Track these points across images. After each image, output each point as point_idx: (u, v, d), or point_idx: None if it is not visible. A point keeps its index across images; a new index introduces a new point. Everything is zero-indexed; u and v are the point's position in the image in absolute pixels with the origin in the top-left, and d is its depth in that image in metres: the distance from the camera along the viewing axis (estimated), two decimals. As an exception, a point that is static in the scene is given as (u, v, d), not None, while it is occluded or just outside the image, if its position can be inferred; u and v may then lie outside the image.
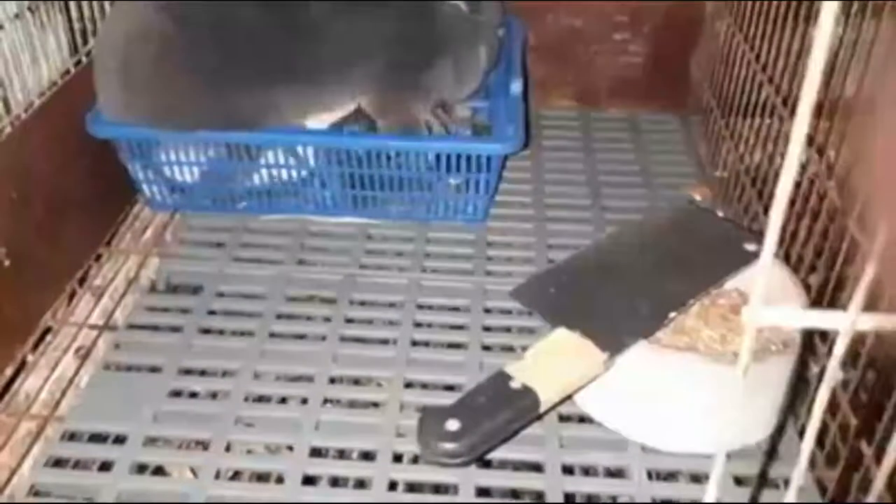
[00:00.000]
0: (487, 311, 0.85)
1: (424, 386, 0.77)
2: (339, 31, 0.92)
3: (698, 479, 0.68)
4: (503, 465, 0.70)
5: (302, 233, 0.96)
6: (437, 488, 0.68)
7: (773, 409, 0.70)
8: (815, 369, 0.72)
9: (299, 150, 0.94)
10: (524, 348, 0.69)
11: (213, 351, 0.80)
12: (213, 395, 0.76)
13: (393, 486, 0.68)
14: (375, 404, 0.75)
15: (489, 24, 1.04)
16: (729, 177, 1.00)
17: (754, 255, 0.77)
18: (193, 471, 0.70)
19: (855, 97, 0.69)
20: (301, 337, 0.82)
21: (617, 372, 0.67)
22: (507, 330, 0.83)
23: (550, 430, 0.71)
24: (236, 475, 0.70)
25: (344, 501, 0.67)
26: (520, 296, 0.78)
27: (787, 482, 0.67)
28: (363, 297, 0.87)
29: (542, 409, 0.63)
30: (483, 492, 0.67)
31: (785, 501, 0.33)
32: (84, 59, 0.95)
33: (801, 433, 0.71)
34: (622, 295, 0.74)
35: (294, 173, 0.96)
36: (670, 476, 0.70)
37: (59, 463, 0.69)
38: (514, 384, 0.63)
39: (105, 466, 0.69)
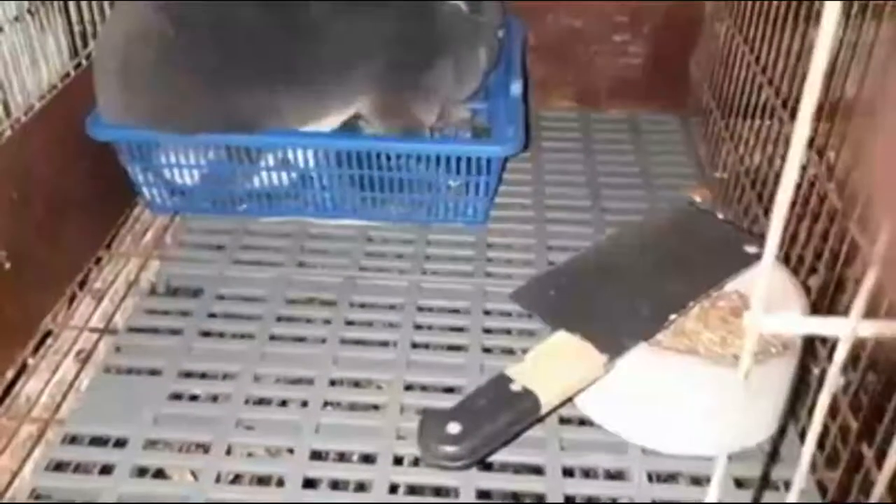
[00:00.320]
0: (487, 313, 0.85)
1: (425, 388, 0.77)
2: (339, 31, 0.92)
3: (699, 481, 0.68)
4: (504, 467, 0.70)
5: (302, 235, 0.96)
6: (438, 491, 0.68)
7: (773, 412, 0.70)
8: (815, 371, 0.72)
9: (299, 152, 0.94)
10: (524, 350, 0.69)
11: (213, 354, 0.80)
12: (214, 398, 0.76)
13: (394, 489, 0.68)
14: (376, 407, 0.75)
15: (489, 24, 1.04)
16: (729, 178, 1.00)
17: (754, 257, 0.77)
18: (194, 474, 0.69)
19: (855, 99, 0.69)
20: (301, 339, 0.82)
21: (617, 374, 0.67)
22: (508, 332, 0.83)
23: (551, 433, 0.71)
24: (237, 478, 0.70)
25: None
26: (520, 298, 0.78)
27: (787, 484, 0.67)
28: (363, 300, 0.87)
29: (543, 411, 0.63)
30: (484, 494, 0.67)
31: (786, 503, 0.33)
32: (84, 61, 0.95)
33: (802, 435, 0.71)
34: (622, 297, 0.74)
35: (294, 175, 0.96)
36: (670, 478, 0.70)
37: (59, 466, 0.69)
38: (515, 387, 0.63)
39: (106, 470, 0.69)
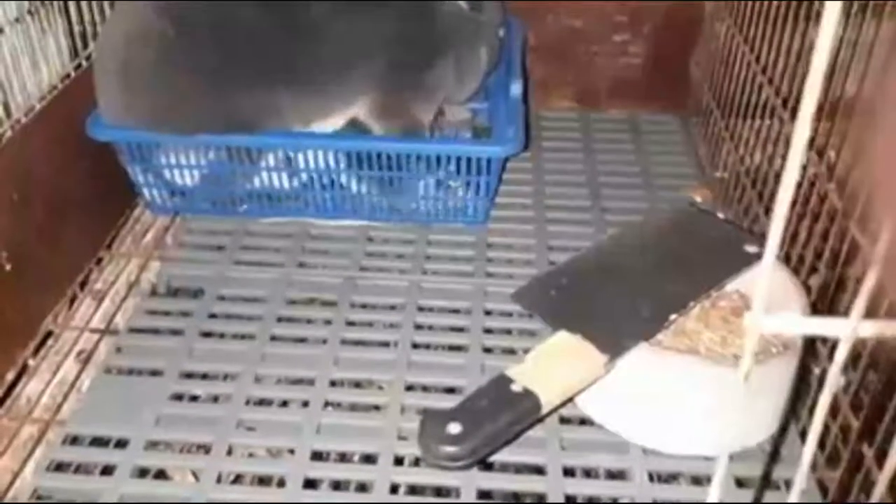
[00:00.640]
0: (488, 313, 0.86)
1: (425, 389, 0.77)
2: (340, 31, 0.92)
3: (699, 481, 0.68)
4: (504, 467, 0.70)
5: (302, 235, 0.96)
6: (439, 491, 0.68)
7: (774, 411, 0.70)
8: (816, 371, 0.72)
9: (299, 152, 0.94)
10: (525, 351, 0.69)
11: (214, 354, 0.80)
12: (215, 399, 0.76)
13: (394, 489, 0.68)
14: (377, 407, 0.75)
15: (490, 24, 1.04)
16: (729, 178, 1.00)
17: (755, 257, 0.77)
18: (195, 474, 0.69)
19: (855, 98, 0.69)
20: (302, 340, 0.82)
21: (618, 374, 0.67)
22: (508, 332, 0.83)
23: (552, 433, 0.71)
24: (238, 478, 0.70)
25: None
26: (520, 299, 0.78)
27: (788, 483, 0.67)
28: (364, 300, 0.87)
29: (544, 411, 0.63)
30: (484, 494, 0.67)
31: (787, 503, 0.33)
32: (84, 62, 0.95)
33: (803, 435, 0.71)
34: (623, 297, 0.74)
35: (303, 177, 0.96)
36: (671, 478, 0.70)
37: (60, 467, 0.69)
38: (515, 387, 0.63)
39: (107, 470, 0.69)
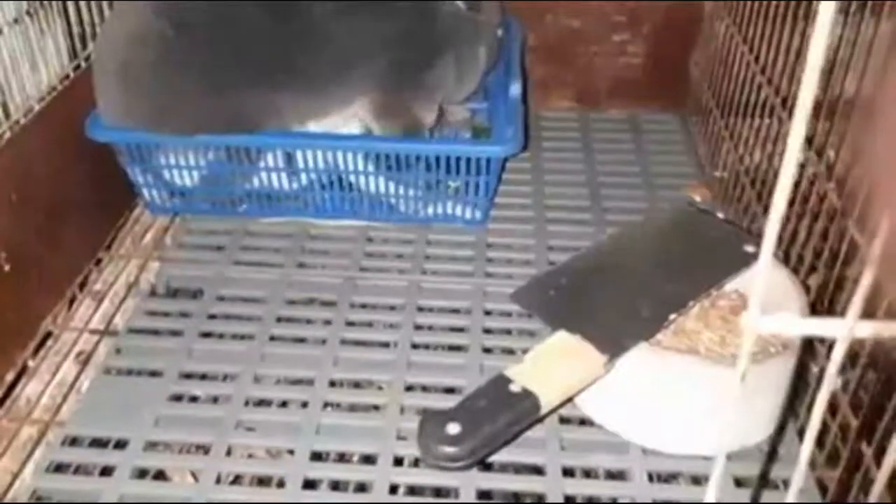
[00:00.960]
0: (488, 313, 0.86)
1: (425, 389, 0.77)
2: (339, 31, 0.92)
3: (699, 480, 0.68)
4: (504, 467, 0.70)
5: (302, 236, 0.96)
6: (438, 491, 0.68)
7: (773, 411, 0.70)
8: (815, 370, 0.72)
9: (298, 152, 0.94)
10: (525, 351, 0.69)
11: (213, 355, 0.80)
12: (214, 399, 0.76)
13: (394, 489, 0.68)
14: (376, 407, 0.75)
15: (488, 23, 1.04)
16: (729, 177, 1.00)
17: (754, 257, 0.77)
18: (194, 475, 0.69)
19: (854, 97, 0.69)
20: (301, 340, 0.82)
21: (617, 374, 0.67)
22: (508, 332, 0.83)
23: (551, 433, 0.71)
24: (237, 479, 0.70)
25: (345, 505, 0.67)
26: (520, 299, 0.78)
27: (787, 483, 0.67)
28: (363, 300, 0.87)
29: (543, 412, 0.63)
30: (484, 495, 0.67)
31: (785, 502, 0.33)
32: (83, 63, 0.95)
33: (801, 434, 0.71)
34: (622, 297, 0.74)
35: (304, 179, 0.96)
36: (671, 478, 0.70)
37: (60, 468, 0.69)
38: (515, 387, 0.63)
39: (106, 471, 0.69)
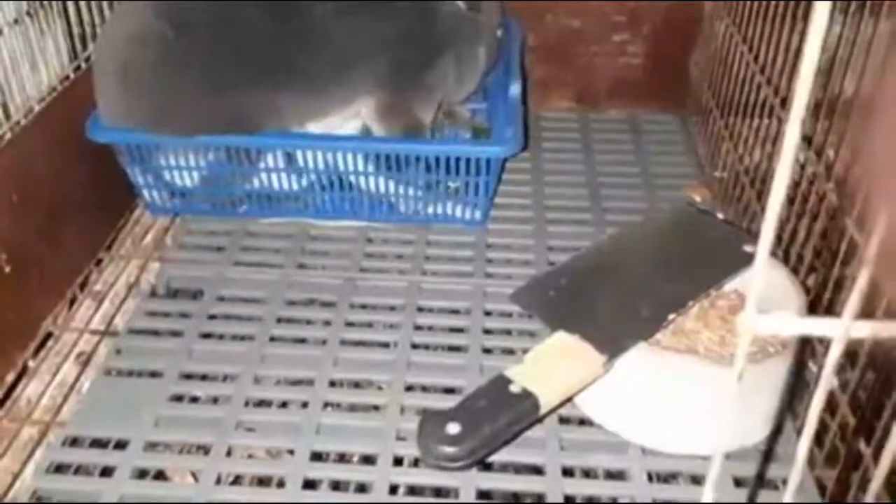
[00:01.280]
0: (487, 313, 0.86)
1: (425, 389, 0.77)
2: (340, 32, 0.92)
3: (698, 480, 0.69)
4: (504, 467, 0.70)
5: (302, 236, 0.96)
6: (438, 491, 0.68)
7: (771, 410, 0.70)
8: (813, 369, 0.72)
9: (299, 153, 0.94)
10: (524, 351, 0.69)
11: (213, 355, 0.80)
12: (214, 400, 0.76)
13: (394, 489, 0.68)
14: (376, 408, 0.75)
15: (488, 23, 1.04)
16: (728, 177, 1.00)
17: (753, 257, 0.77)
18: (194, 475, 0.70)
19: (853, 96, 0.70)
20: (301, 341, 0.82)
21: (617, 374, 0.67)
22: (508, 333, 0.83)
23: (551, 433, 0.71)
24: (237, 479, 0.70)
25: (345, 505, 0.67)
26: (519, 299, 0.78)
27: (785, 482, 0.67)
28: (363, 301, 0.87)
29: (542, 412, 0.63)
30: (484, 495, 0.67)
31: (783, 502, 0.34)
32: (83, 64, 0.95)
33: (800, 433, 0.71)
34: (621, 297, 0.74)
35: (304, 181, 0.96)
36: (670, 478, 0.70)
37: (60, 468, 0.69)
38: (514, 388, 0.63)
39: (106, 472, 0.69)
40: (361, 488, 0.68)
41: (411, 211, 0.97)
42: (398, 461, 0.70)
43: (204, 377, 0.78)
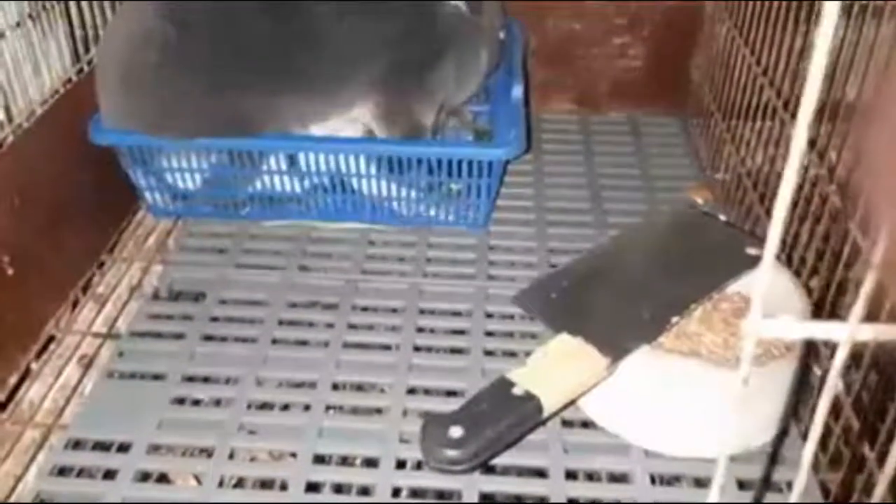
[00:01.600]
0: (489, 315, 0.86)
1: (427, 391, 0.77)
2: (342, 34, 0.92)
3: (701, 483, 0.68)
4: (506, 470, 0.70)
5: (304, 238, 0.96)
6: (441, 494, 0.68)
7: (775, 413, 0.70)
8: (818, 372, 0.72)
9: (301, 155, 0.94)
10: (527, 353, 0.69)
11: (215, 358, 0.80)
12: (217, 403, 0.76)
13: (396, 492, 0.68)
14: (378, 410, 0.75)
15: (490, 26, 1.04)
16: (730, 180, 1.00)
17: (756, 259, 0.77)
18: (197, 478, 0.70)
19: (856, 99, 0.69)
20: (303, 343, 0.82)
21: (620, 377, 0.67)
22: (510, 335, 0.83)
23: (553, 436, 0.71)
24: (240, 482, 0.70)
25: (347, 508, 0.67)
26: (522, 302, 0.78)
27: (790, 485, 0.67)
28: (365, 303, 0.87)
29: (545, 414, 0.63)
30: (486, 497, 0.67)
31: (788, 503, 0.34)
32: (86, 66, 0.95)
33: (805, 436, 0.71)
34: (624, 300, 0.74)
35: (306, 183, 0.96)
36: (673, 480, 0.70)
37: (63, 471, 0.69)
38: (517, 390, 0.63)
39: (109, 474, 0.69)
40: (364, 491, 0.68)
41: (413, 213, 0.97)
42: (401, 464, 0.70)
43: (206, 379, 0.78)
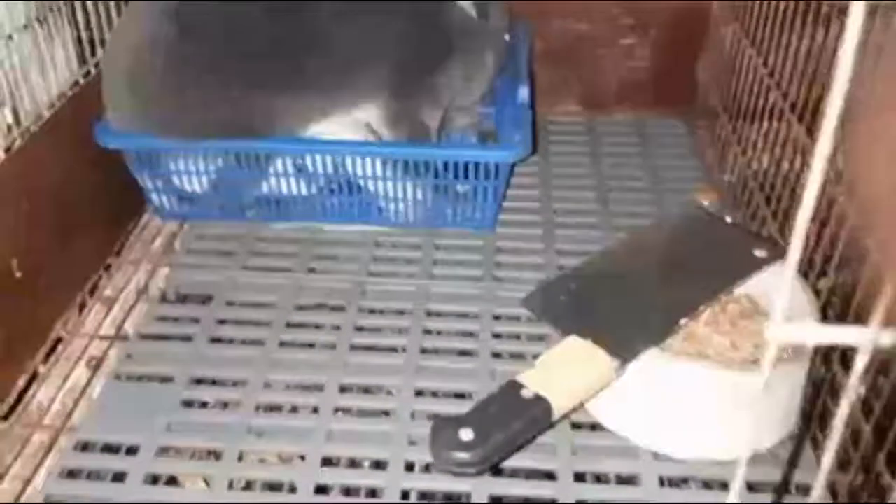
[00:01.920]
0: (497, 318, 0.86)
1: (435, 394, 0.77)
2: (349, 35, 0.92)
3: (710, 485, 0.68)
4: (515, 473, 0.70)
5: (311, 241, 0.97)
6: (450, 497, 0.68)
7: (784, 416, 0.70)
8: (826, 375, 0.72)
9: (308, 157, 0.94)
10: (535, 356, 0.69)
11: (223, 360, 0.80)
12: (225, 405, 0.76)
13: (405, 494, 0.68)
14: (386, 413, 0.75)
15: (497, 28, 1.04)
16: (737, 181, 1.00)
17: (764, 261, 0.77)
18: (206, 481, 0.70)
19: (865, 102, 0.69)
20: (311, 345, 0.82)
21: (628, 379, 0.67)
22: (517, 337, 0.83)
23: (562, 438, 0.71)
24: (249, 485, 0.70)
25: (356, 510, 0.67)
26: (530, 304, 0.78)
27: (798, 487, 0.67)
28: (372, 305, 0.87)
29: (555, 417, 0.63)
30: (496, 500, 0.67)
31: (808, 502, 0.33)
32: (93, 69, 0.96)
33: (814, 439, 0.71)
34: (632, 302, 0.74)
35: (314, 187, 0.96)
36: (682, 483, 0.70)
37: (72, 474, 0.69)
38: (526, 393, 0.63)
39: (118, 477, 0.69)
40: (373, 493, 0.68)
41: (420, 215, 0.97)
42: (409, 466, 0.70)
43: (214, 382, 0.78)
